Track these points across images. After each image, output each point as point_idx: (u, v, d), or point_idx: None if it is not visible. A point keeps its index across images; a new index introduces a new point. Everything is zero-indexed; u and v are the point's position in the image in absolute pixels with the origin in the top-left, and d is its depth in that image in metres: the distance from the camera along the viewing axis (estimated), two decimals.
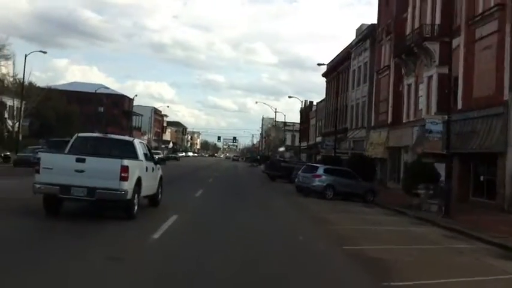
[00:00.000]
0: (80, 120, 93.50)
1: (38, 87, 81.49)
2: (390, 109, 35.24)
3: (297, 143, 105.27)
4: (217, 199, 20.26)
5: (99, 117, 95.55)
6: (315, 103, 74.57)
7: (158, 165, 15.08)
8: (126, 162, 11.37)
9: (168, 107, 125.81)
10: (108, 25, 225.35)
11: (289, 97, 74.19)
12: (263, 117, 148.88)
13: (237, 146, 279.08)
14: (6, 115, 55.73)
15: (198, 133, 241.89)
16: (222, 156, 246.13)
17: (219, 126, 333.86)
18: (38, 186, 11.24)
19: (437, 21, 26.95)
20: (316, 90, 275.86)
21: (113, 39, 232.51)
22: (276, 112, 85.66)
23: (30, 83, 79.54)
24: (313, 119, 72.44)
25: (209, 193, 22.27)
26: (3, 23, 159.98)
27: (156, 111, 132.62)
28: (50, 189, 11.18)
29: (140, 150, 13.21)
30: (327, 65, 61.14)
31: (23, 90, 47.71)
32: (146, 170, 13.09)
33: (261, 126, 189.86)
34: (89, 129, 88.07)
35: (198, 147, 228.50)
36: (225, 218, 14.63)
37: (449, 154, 19.53)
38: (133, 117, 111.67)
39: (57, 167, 11.25)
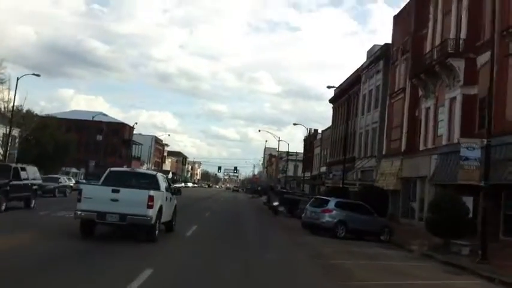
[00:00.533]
0: (78, 148, 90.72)
1: (36, 114, 79.02)
2: (404, 136, 31.95)
3: (299, 173, 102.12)
4: (210, 240, 16.59)
5: (97, 146, 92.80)
6: (320, 131, 71.46)
7: (174, 196, 17.21)
8: (152, 192, 13.52)
9: (168, 135, 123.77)
10: (115, 55, 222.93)
11: (295, 124, 69.66)
12: (265, 147, 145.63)
13: (237, 177, 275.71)
14: None
15: (199, 163, 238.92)
16: (222, 186, 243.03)
17: (221, 156, 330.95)
18: (79, 212, 13.30)
19: (463, 35, 23.87)
20: (319, 120, 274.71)
21: (119, 69, 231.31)
22: (279, 141, 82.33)
23: (28, 111, 77.05)
24: (317, 147, 69.21)
25: (202, 232, 18.60)
26: (11, 53, 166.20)
27: (157, 140, 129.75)
28: (88, 215, 13.28)
29: (162, 182, 15.51)
30: (335, 89, 58.29)
31: (12, 116, 44.54)
32: (166, 200, 15.08)
33: (262, 156, 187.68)
34: (86, 158, 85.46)
35: (199, 177, 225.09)
36: (212, 269, 11.10)
37: (487, 186, 16.22)
38: (134, 146, 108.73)
39: (96, 196, 13.37)
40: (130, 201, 13.23)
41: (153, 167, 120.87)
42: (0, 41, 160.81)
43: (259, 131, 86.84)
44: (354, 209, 21.22)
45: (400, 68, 34.67)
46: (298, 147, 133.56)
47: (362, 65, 45.91)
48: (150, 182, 15.05)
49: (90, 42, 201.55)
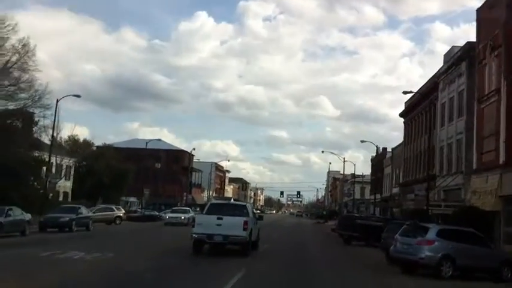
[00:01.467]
0: (136, 177, 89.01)
1: (92, 143, 77.85)
2: (502, 145, 26.44)
3: (366, 195, 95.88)
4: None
5: (155, 174, 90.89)
6: (389, 149, 65.77)
7: (258, 221, 22.13)
8: (246, 218, 18.96)
9: (228, 161, 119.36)
10: (177, 87, 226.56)
11: (362, 141, 63.80)
12: (329, 170, 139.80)
13: (301, 201, 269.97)
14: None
15: (262, 189, 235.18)
16: (286, 212, 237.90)
17: (283, 182, 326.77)
18: (194, 235, 18.60)
19: None
20: (382, 142, 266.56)
21: (181, 100, 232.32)
22: (344, 161, 76.93)
23: (84, 140, 75.92)
24: (387, 167, 63.50)
25: (256, 276, 14.24)
26: (78, 89, 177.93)
27: (217, 167, 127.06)
28: (201, 236, 18.57)
29: (250, 210, 21.12)
30: (405, 103, 52.96)
31: (52, 143, 41.63)
32: (253, 224, 20.10)
33: (326, 179, 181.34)
34: (144, 186, 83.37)
35: (262, 203, 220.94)
36: None
37: None
38: (193, 173, 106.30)
39: (205, 222, 18.70)
40: (231, 225, 18.26)
41: (213, 194, 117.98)
42: (69, 77, 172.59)
43: (323, 152, 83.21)
44: (463, 239, 16.02)
45: (491, 67, 29.27)
46: (361, 169, 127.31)
47: (439, 71, 40.60)
48: (242, 210, 20.23)
49: (151, 75, 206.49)
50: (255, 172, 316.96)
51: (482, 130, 30.05)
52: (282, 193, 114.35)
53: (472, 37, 34.26)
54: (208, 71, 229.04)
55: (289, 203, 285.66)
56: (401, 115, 53.70)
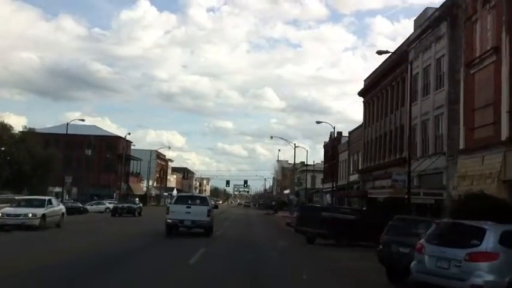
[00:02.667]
0: (66, 166, 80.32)
1: (9, 127, 68.78)
2: (506, 116, 20.99)
3: (318, 185, 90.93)
4: None
5: (89, 162, 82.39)
6: (345, 134, 60.53)
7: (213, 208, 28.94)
8: (208, 207, 24.88)
9: (169, 148, 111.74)
10: (118, 76, 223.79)
11: (318, 122, 56.83)
12: (278, 158, 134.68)
13: (248, 192, 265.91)
14: None
15: (208, 179, 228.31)
16: (233, 202, 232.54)
17: (230, 173, 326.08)
18: (169, 220, 23.89)
19: None
20: (326, 133, 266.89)
21: (122, 91, 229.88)
22: (295, 147, 71.09)
23: (2, 123, 66.51)
24: (343, 153, 58.24)
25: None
26: (16, 79, 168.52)
27: (159, 156, 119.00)
28: (174, 221, 23.87)
29: (209, 201, 28.32)
30: (364, 80, 47.59)
31: None
32: (212, 212, 25.75)
33: (274, 169, 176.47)
34: (71, 174, 75.08)
35: (208, 193, 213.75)
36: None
37: None
38: (132, 161, 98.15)
39: (177, 211, 24.00)
40: (198, 212, 24.09)
41: (154, 184, 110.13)
42: (6, 66, 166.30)
43: (271, 137, 75.19)
44: None
45: (484, 22, 23.79)
46: (310, 159, 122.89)
47: (408, 39, 35.15)
48: (204, 201, 26.43)
49: (92, 64, 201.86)
50: (201, 163, 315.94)
51: (472, 101, 24.55)
52: (227, 182, 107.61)
53: None
54: (151, 61, 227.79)
55: (236, 193, 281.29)
56: (360, 94, 48.25)
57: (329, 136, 67.46)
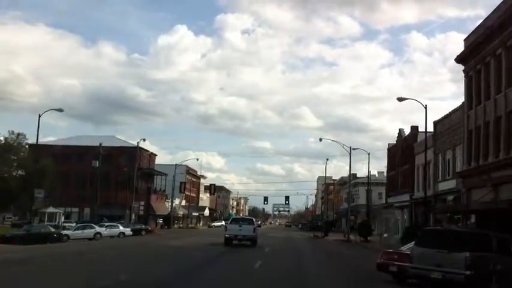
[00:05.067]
0: (74, 181, 67.92)
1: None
2: None
3: (375, 200, 75.23)
4: None
5: (103, 177, 69.53)
6: (420, 128, 45.15)
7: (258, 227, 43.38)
8: (254, 226, 36.11)
9: (197, 159, 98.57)
10: (157, 100, 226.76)
11: (400, 100, 38.51)
12: (326, 165, 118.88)
13: (288, 211, 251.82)
14: None
15: (246, 198, 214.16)
16: (272, 223, 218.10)
17: (268, 192, 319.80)
18: (227, 235, 34.39)
19: None
20: (365, 150, 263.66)
21: (162, 114, 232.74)
22: (351, 150, 55.75)
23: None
24: (422, 154, 42.70)
25: None
26: (58, 104, 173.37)
27: (189, 171, 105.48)
28: (230, 236, 34.35)
29: (255, 221, 39.59)
30: (466, 40, 32.62)
31: None
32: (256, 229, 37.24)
33: (315, 185, 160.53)
34: (79, 191, 62.58)
35: (246, 213, 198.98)
36: None
37: None
38: (156, 177, 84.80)
39: (232, 228, 34.71)
40: (247, 229, 34.23)
41: (183, 203, 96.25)
42: (48, 93, 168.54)
43: (321, 140, 60.06)
44: None
45: None
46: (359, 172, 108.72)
47: None
48: (251, 221, 37.51)
49: (132, 89, 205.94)
50: (240, 183, 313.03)
51: None
52: (265, 199, 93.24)
53: None
54: (189, 84, 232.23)
55: (276, 213, 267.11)
56: (459, 60, 32.98)
57: (397, 135, 52.08)
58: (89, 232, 39.71)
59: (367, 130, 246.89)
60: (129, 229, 45.71)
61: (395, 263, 15.26)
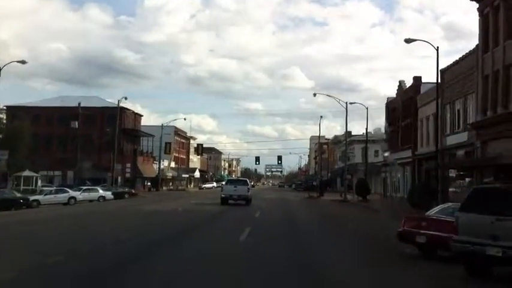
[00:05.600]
0: (58, 144, 64.40)
1: None
2: None
3: (372, 158, 72.02)
4: None
5: (86, 139, 66.01)
6: (423, 79, 41.62)
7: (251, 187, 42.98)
8: (248, 186, 37.48)
9: (184, 119, 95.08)
10: (146, 63, 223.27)
11: (408, 41, 35.85)
12: (320, 124, 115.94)
13: (281, 171, 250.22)
14: None
15: (238, 159, 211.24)
16: (265, 184, 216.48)
17: (261, 154, 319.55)
18: (223, 195, 36.00)
19: None
20: (356, 110, 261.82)
21: (152, 76, 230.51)
22: (347, 105, 52.08)
23: None
24: (426, 106, 39.35)
25: None
26: (46, 69, 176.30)
27: (178, 132, 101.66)
28: (226, 195, 35.86)
29: (249, 182, 40.78)
30: None
31: None
32: (250, 189, 38.66)
33: (308, 147, 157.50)
34: (63, 155, 59.42)
35: (238, 175, 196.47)
36: None
37: None
38: (142, 138, 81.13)
39: (227, 189, 36.83)
40: (241, 190, 36.02)
41: (172, 164, 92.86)
42: (36, 57, 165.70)
43: (315, 95, 57.66)
44: None
45: None
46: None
47: None
48: (245, 182, 38.84)
49: (119, 52, 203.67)
50: (232, 145, 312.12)
51: None
52: (257, 159, 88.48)
53: None
54: (177, 46, 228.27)
55: (269, 174, 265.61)
56: None
57: (397, 88, 48.46)
58: (62, 197, 36.30)
59: (359, 90, 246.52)
60: (109, 192, 42.23)
61: (423, 231, 11.88)
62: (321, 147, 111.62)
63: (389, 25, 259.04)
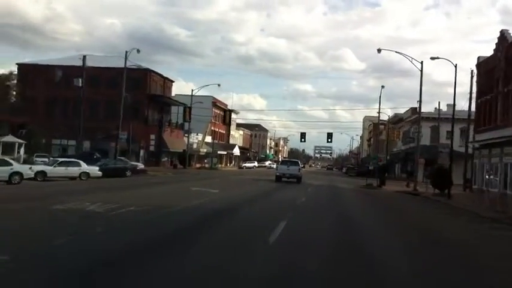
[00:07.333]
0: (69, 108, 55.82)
1: None
2: None
3: (443, 140, 58.61)
4: None
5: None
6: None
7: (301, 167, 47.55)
8: (299, 167, 43.75)
9: (219, 85, 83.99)
10: (197, 39, 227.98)
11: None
12: (380, 100, 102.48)
13: (331, 154, 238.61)
14: None
15: (285, 139, 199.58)
16: (313, 166, 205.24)
17: (310, 135, 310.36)
18: (277, 173, 42.02)
19: None
20: (408, 95, 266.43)
21: (203, 54, 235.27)
22: (421, 65, 39.42)
23: None
24: None
25: None
26: (100, 44, 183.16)
27: (216, 104, 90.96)
28: (280, 174, 41.53)
29: (300, 163, 47.86)
30: None
31: None
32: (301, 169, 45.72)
33: (362, 127, 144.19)
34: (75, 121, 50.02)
35: (285, 155, 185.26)
36: None
37: None
38: (171, 107, 70.63)
39: (281, 168, 43.25)
40: (293, 169, 41.57)
41: (207, 139, 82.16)
42: (91, 32, 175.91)
43: (379, 51, 42.21)
44: None
45: None
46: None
47: None
48: (297, 163, 44.59)
49: (171, 29, 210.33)
50: (282, 125, 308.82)
51: None
52: (302, 135, 75.75)
53: None
54: (228, 24, 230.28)
55: (317, 155, 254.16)
56: None
57: (496, 42, 35.32)
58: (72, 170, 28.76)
59: (411, 74, 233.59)
60: (96, 168, 31.11)
61: None
62: (376, 127, 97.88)
63: (443, 8, 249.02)
